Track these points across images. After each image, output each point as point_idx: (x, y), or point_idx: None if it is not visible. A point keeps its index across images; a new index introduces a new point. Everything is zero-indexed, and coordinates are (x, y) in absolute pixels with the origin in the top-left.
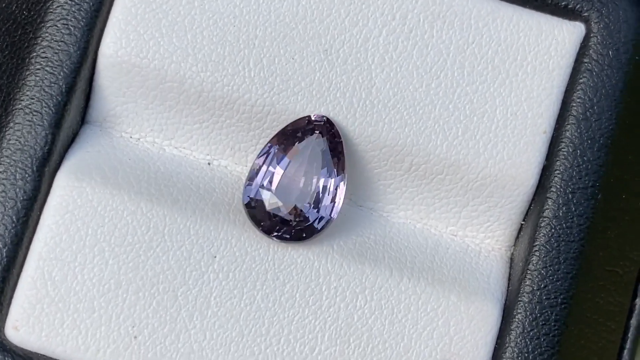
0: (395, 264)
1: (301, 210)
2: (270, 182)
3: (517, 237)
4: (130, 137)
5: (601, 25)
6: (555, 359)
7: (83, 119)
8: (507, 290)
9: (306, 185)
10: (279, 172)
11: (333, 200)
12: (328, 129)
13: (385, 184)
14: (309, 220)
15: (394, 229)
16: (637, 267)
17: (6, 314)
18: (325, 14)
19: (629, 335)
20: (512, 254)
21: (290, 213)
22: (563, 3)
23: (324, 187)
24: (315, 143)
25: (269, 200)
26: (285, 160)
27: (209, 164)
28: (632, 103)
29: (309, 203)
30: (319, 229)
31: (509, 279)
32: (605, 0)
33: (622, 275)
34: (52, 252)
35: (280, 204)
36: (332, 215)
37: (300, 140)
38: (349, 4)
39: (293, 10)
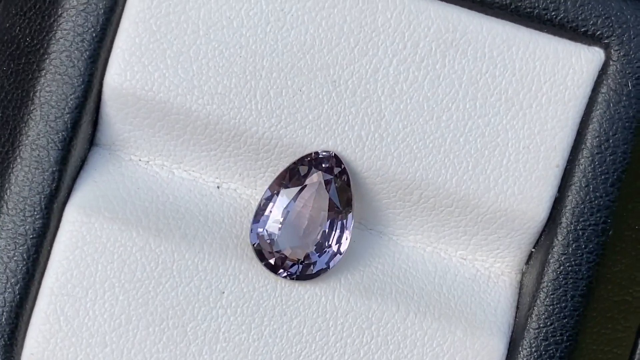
0: (402, 297)
1: (307, 254)
2: (277, 221)
3: (528, 262)
4: (140, 160)
5: (621, 53)
6: None
7: (92, 141)
8: (515, 320)
9: (313, 224)
10: (285, 211)
11: (340, 239)
12: (335, 165)
13: (394, 212)
14: (314, 260)
15: (403, 255)
16: None
17: (21, 349)
18: (334, 43)
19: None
20: (522, 279)
21: (295, 256)
22: (583, 29)
23: (331, 225)
24: (322, 180)
25: (275, 240)
26: (292, 198)
27: (218, 187)
28: None
29: (316, 245)
30: (326, 267)
31: (517, 307)
32: (626, 26)
33: (631, 302)
34: (63, 288)
35: (286, 245)
36: (340, 252)
37: (307, 177)
38: (359, 33)
39: (301, 39)
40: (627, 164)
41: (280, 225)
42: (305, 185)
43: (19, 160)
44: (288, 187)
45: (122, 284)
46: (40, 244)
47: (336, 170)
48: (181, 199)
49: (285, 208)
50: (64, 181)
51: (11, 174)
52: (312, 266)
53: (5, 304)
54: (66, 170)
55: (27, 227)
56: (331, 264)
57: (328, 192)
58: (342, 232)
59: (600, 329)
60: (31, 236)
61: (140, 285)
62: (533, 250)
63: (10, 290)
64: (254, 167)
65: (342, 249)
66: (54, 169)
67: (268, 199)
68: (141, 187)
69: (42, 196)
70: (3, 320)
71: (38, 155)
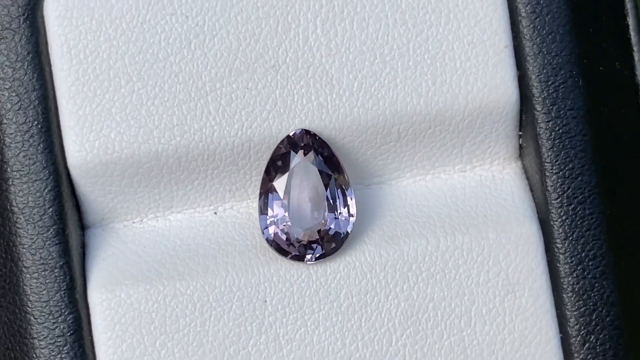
0: (427, 230)
1: (321, 229)
2: (282, 214)
3: (521, 148)
4: (133, 223)
5: None
6: (605, 249)
7: (82, 226)
8: (535, 202)
9: (316, 201)
10: (285, 201)
11: (346, 202)
12: (309, 139)
13: (382, 159)
14: (333, 232)
15: (408, 194)
16: None
17: None
18: (257, 32)
19: None
20: (523, 164)
21: (312, 235)
22: None
23: (332, 194)
24: (304, 158)
25: (289, 232)
26: (285, 186)
27: (215, 213)
28: None
29: (327, 219)
30: (345, 233)
31: (532, 190)
32: None
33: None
34: None
35: (300, 231)
36: (351, 214)
37: (290, 161)
38: (274, 13)
39: (227, 43)
40: (568, 17)
41: (286, 216)
42: (293, 169)
43: (24, 270)
44: (277, 179)
45: (172, 337)
46: (81, 336)
47: (313, 143)
48: (187, 238)
49: (284, 198)
50: (75, 270)
51: (24, 286)
52: (332, 239)
53: None
54: (72, 259)
55: (62, 326)
56: (349, 229)
57: (315, 165)
58: (345, 196)
59: (617, 171)
60: (69, 333)
61: (188, 330)
62: (520, 133)
63: None
64: (238, 178)
65: (352, 211)
66: (61, 263)
67: (265, 198)
68: (146, 245)
69: (62, 292)
70: None
71: (40, 257)
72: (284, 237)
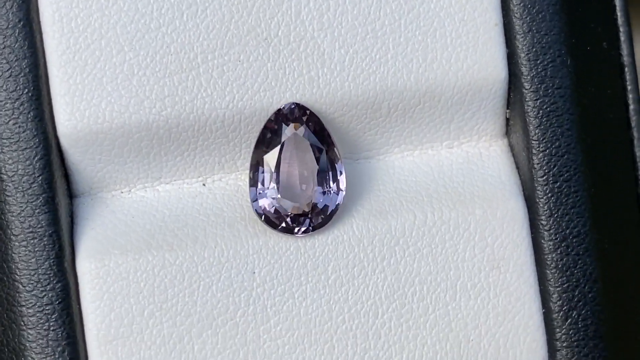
0: (414, 205)
1: (313, 203)
2: (272, 187)
3: (508, 125)
4: (121, 193)
5: None
6: (589, 226)
7: (70, 195)
8: (521, 179)
9: (306, 175)
10: (275, 174)
11: (335, 177)
12: (301, 113)
13: (372, 133)
14: (322, 206)
15: (396, 168)
16: None
17: None
18: (250, 5)
19: None
20: (510, 142)
21: (302, 209)
22: None
23: (322, 168)
24: (295, 132)
25: (278, 203)
26: (276, 159)
27: (203, 184)
28: None
29: (317, 193)
30: (334, 208)
31: (518, 168)
32: None
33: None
34: (108, 335)
35: (289, 204)
36: (340, 189)
37: (281, 134)
38: None
39: (219, 15)
40: None
41: (276, 189)
42: (283, 143)
43: (13, 238)
44: (268, 151)
45: (160, 307)
46: (69, 305)
47: (304, 116)
48: (175, 208)
49: (274, 171)
50: (64, 239)
51: (13, 254)
52: (321, 212)
53: None
54: (61, 228)
55: (50, 294)
56: (338, 203)
57: (306, 138)
58: (335, 170)
59: (601, 151)
60: (57, 302)
61: (176, 300)
62: (508, 111)
63: (60, 359)
64: (228, 150)
65: (342, 186)
66: (50, 231)
67: (255, 171)
68: (135, 215)
69: (51, 261)
70: None
71: (29, 225)
72: (273, 209)
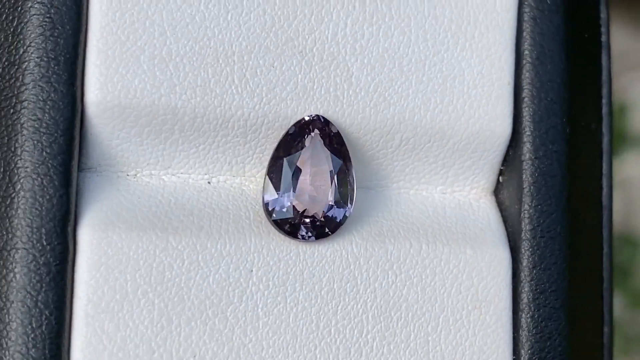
0: (411, 234)
1: (323, 211)
2: (286, 190)
3: (499, 182)
4: (127, 175)
5: None
6: (566, 284)
7: (78, 167)
8: (508, 230)
9: (320, 183)
10: (291, 179)
11: (346, 194)
12: (323, 125)
13: (377, 163)
14: (330, 217)
15: (393, 201)
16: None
17: None
18: (292, 17)
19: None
20: (499, 198)
21: (311, 216)
22: None
23: (336, 180)
24: (315, 142)
25: (289, 207)
26: (294, 165)
27: (209, 182)
28: (574, 43)
29: (327, 205)
30: (342, 219)
31: (506, 221)
32: None
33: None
34: (97, 307)
35: (300, 209)
36: (349, 204)
37: (302, 143)
38: (311, 3)
39: (261, 20)
40: (565, 70)
41: (290, 195)
42: (303, 151)
43: (22, 193)
44: (287, 157)
45: (155, 288)
46: (65, 269)
47: (326, 129)
48: (181, 197)
49: (291, 176)
50: (72, 203)
51: (18, 209)
52: (326, 225)
53: (45, 336)
54: (71, 192)
55: (48, 255)
56: (346, 215)
57: (325, 151)
58: (347, 186)
59: (580, 216)
60: (55, 264)
61: (172, 284)
62: (502, 167)
63: (46, 321)
64: (241, 151)
65: (351, 201)
66: (61, 192)
67: (271, 174)
68: (140, 196)
69: (55, 222)
70: (47, 352)
71: (41, 183)
72: (284, 212)
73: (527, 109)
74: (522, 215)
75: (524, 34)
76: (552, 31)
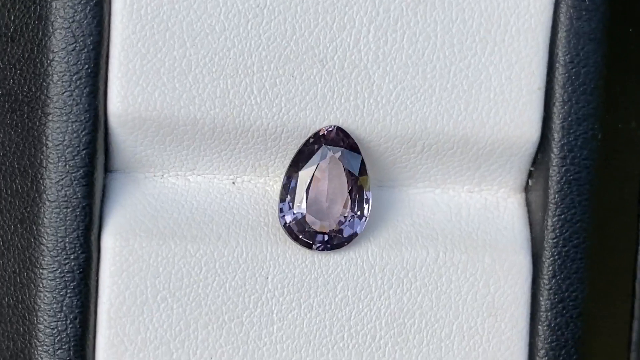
0: (428, 241)
1: (335, 225)
2: (301, 201)
3: (528, 183)
4: (154, 176)
5: None
6: (587, 293)
7: (105, 168)
8: (532, 236)
9: (335, 196)
10: (306, 190)
11: (362, 204)
12: (341, 136)
13: (401, 166)
14: (344, 229)
15: (417, 202)
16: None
17: None
18: (313, 25)
19: None
20: (527, 198)
21: (325, 229)
22: None
23: (351, 193)
24: (332, 154)
25: (304, 219)
26: (310, 176)
27: (233, 183)
28: (615, 41)
29: (342, 215)
30: (355, 232)
31: (531, 224)
32: None
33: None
34: (119, 311)
35: (315, 221)
36: (365, 215)
37: (318, 155)
38: (333, 10)
39: (281, 29)
40: (601, 73)
41: (305, 204)
42: (320, 163)
43: (47, 203)
44: (304, 168)
45: (173, 294)
46: (88, 276)
47: (343, 141)
48: (204, 202)
49: (306, 187)
50: (95, 213)
51: (44, 218)
52: (342, 234)
53: (70, 339)
54: (94, 202)
55: (72, 263)
56: (359, 229)
57: (341, 163)
58: (362, 197)
59: (609, 225)
60: (78, 271)
61: (190, 290)
62: (532, 169)
63: (71, 325)
64: (264, 156)
65: (366, 212)
66: (84, 204)
67: (288, 183)
68: (164, 200)
69: (79, 232)
70: (72, 354)
71: (65, 194)
72: (298, 223)
73: (557, 114)
74: (545, 223)
75: (559, 35)
76: (588, 33)
